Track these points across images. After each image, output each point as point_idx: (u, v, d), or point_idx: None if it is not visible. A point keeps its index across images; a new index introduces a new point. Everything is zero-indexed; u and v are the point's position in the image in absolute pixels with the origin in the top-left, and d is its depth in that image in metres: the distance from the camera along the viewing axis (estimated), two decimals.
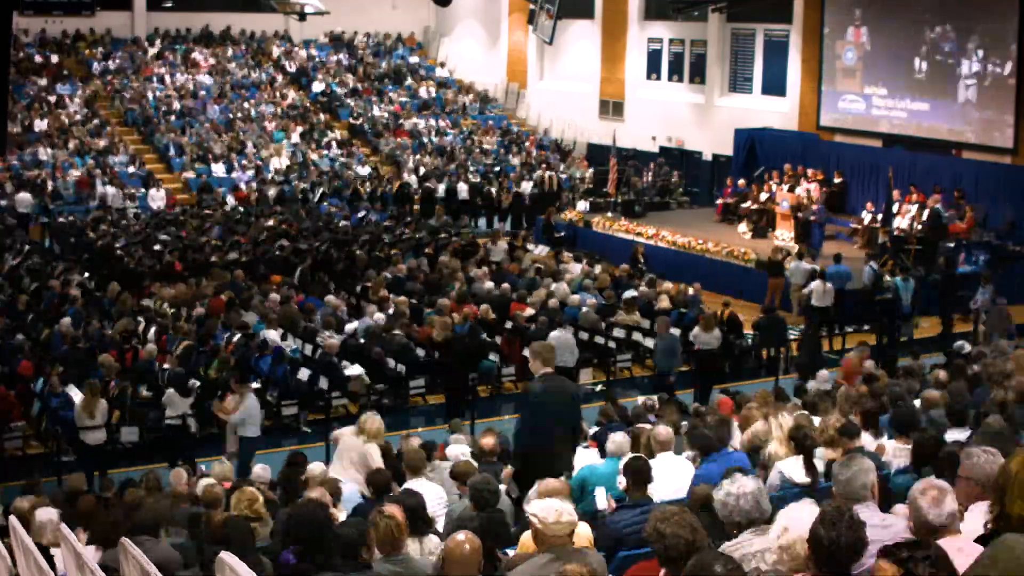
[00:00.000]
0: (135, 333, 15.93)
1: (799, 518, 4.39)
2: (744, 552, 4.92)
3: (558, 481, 6.89)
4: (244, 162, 29.91)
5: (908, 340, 17.54)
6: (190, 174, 29.15)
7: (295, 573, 5.26)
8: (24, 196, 26.01)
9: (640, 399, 12.25)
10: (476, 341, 15.95)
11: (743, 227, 24.15)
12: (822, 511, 4.06)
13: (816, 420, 9.19)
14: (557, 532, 5.08)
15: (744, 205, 24.66)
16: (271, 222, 24.34)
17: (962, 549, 3.90)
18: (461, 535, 4.92)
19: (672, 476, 7.26)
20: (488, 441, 8.99)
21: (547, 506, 5.19)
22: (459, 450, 9.69)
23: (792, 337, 17.52)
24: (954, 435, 7.56)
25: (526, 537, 5.85)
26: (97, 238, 22.43)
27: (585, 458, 8.56)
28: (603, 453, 8.20)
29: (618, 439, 8.02)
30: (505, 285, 18.72)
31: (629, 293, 18.40)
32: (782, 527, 4.51)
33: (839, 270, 18.95)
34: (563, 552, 5.02)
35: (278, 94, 34.24)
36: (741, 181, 25.47)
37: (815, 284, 18.25)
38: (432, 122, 34.11)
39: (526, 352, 15.97)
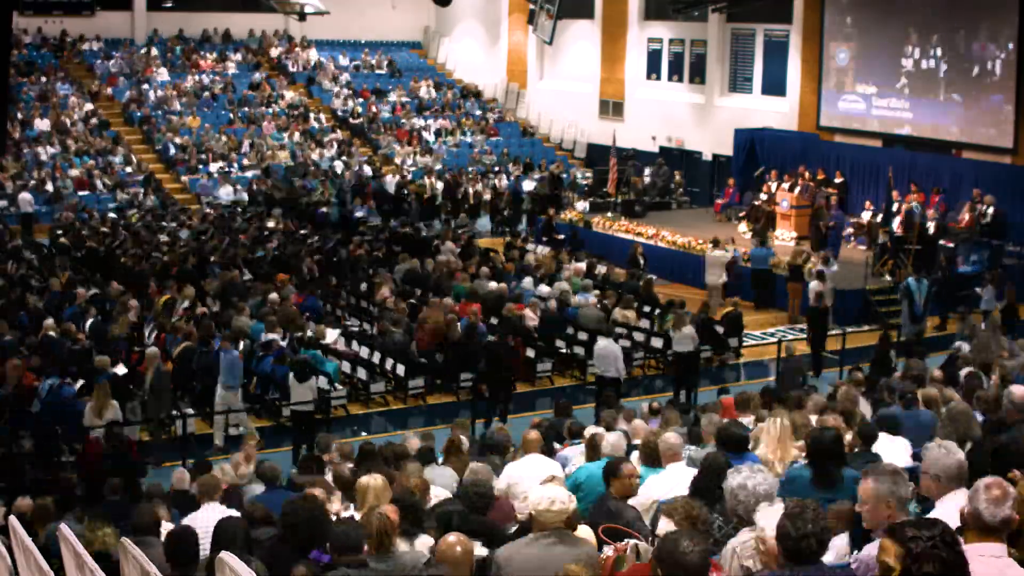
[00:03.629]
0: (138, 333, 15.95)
1: (776, 513, 4.44)
2: (749, 555, 4.93)
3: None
4: (244, 162, 29.92)
5: (918, 340, 17.52)
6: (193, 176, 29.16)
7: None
8: (27, 196, 26.03)
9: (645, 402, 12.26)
10: (473, 340, 15.95)
11: (743, 227, 24.14)
12: (786, 505, 4.10)
13: (814, 419, 9.19)
14: (550, 520, 5.14)
15: (752, 203, 24.61)
16: (271, 223, 24.35)
17: (1005, 570, 3.85)
18: (452, 537, 4.95)
19: (680, 486, 7.19)
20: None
21: (541, 495, 5.24)
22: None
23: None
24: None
25: None
26: (95, 238, 22.42)
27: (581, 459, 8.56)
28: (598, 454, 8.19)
29: (612, 439, 7.99)
30: (503, 284, 18.73)
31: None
32: (759, 521, 4.57)
33: (759, 252, 20.18)
34: (559, 534, 5.10)
35: (278, 94, 34.25)
36: (748, 193, 25.41)
37: (813, 284, 18.24)
38: (431, 122, 34.12)
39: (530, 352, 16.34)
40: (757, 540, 4.55)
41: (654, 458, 7.65)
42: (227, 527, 5.97)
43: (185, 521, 7.47)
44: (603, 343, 14.76)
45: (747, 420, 9.25)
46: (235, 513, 7.58)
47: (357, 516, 6.76)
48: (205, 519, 7.40)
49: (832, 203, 22.96)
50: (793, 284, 19.74)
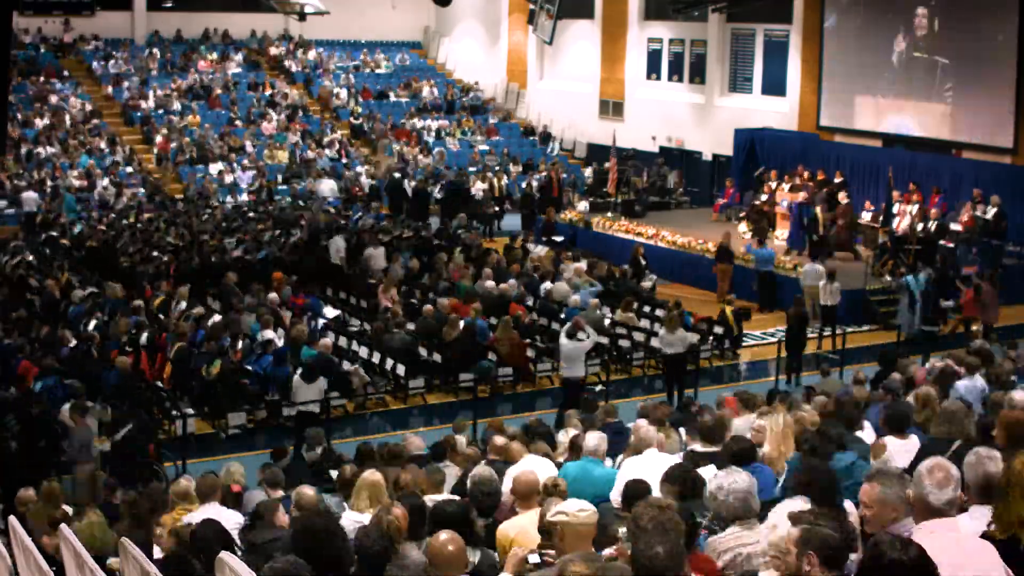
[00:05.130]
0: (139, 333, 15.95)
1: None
2: (728, 548, 4.93)
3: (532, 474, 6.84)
4: (244, 162, 29.92)
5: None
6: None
7: None
8: (31, 195, 26.02)
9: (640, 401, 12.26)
10: (474, 340, 15.96)
11: (743, 227, 24.14)
12: (810, 514, 4.03)
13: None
14: (580, 530, 4.93)
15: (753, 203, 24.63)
16: (269, 222, 24.34)
17: (960, 542, 3.89)
18: (444, 535, 4.90)
19: (660, 470, 7.23)
20: (499, 440, 9.04)
21: (569, 505, 5.09)
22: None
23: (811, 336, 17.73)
24: None
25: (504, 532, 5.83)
26: (94, 238, 22.42)
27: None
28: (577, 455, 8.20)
29: (593, 441, 7.99)
30: (504, 285, 18.72)
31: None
32: (772, 524, 4.53)
33: (763, 253, 20.05)
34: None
35: (278, 94, 34.25)
36: (748, 193, 25.41)
37: (822, 283, 18.27)
38: (432, 122, 34.13)
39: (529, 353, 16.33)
40: (774, 546, 4.45)
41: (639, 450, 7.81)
42: (205, 533, 5.95)
43: (184, 519, 7.49)
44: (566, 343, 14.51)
45: (750, 418, 9.26)
46: (235, 515, 7.59)
47: (357, 515, 6.76)
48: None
49: (801, 198, 22.89)
50: (722, 265, 20.25)
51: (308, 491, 7.38)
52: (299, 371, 13.78)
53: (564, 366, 14.76)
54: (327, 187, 28.95)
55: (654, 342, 17.24)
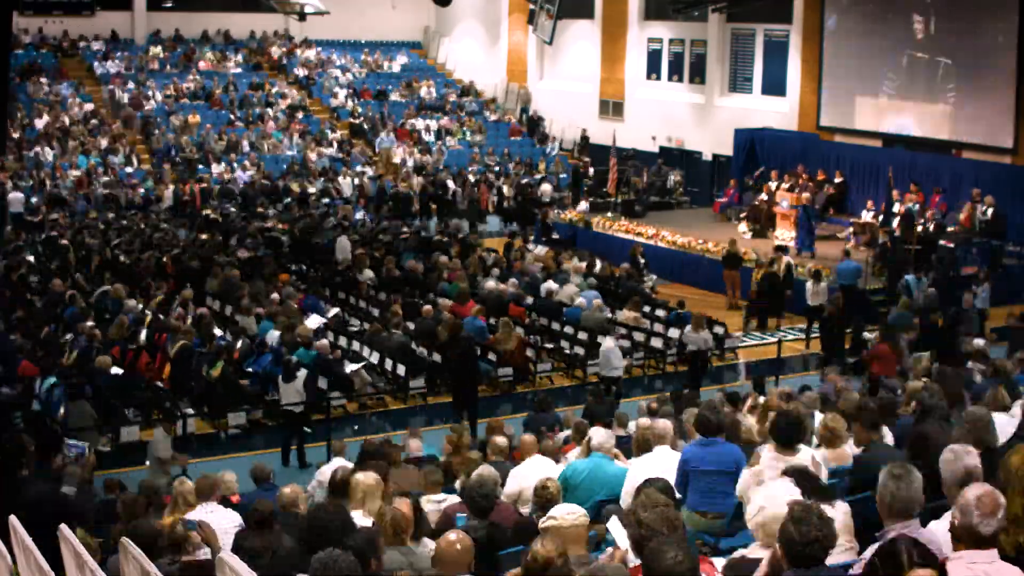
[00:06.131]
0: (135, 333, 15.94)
1: (775, 496, 4.52)
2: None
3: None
4: (245, 162, 29.91)
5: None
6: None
7: None
8: (19, 195, 25.93)
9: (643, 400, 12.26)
10: (469, 341, 15.93)
11: (743, 227, 24.14)
12: (790, 509, 4.04)
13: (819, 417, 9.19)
14: (572, 535, 4.99)
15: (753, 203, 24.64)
16: (270, 223, 24.36)
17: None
18: (453, 535, 4.92)
19: (670, 469, 7.24)
20: (500, 440, 9.05)
21: (562, 510, 5.16)
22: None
23: None
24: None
25: None
26: (91, 236, 22.43)
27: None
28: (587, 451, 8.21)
29: (600, 437, 7.99)
30: (503, 286, 18.71)
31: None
32: (759, 506, 4.55)
33: (848, 267, 18.97)
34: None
35: (278, 94, 34.25)
36: (748, 193, 25.41)
37: (808, 283, 18.29)
38: (432, 122, 34.13)
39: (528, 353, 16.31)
40: (761, 527, 4.54)
41: (646, 448, 7.75)
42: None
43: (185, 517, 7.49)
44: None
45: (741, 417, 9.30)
46: (234, 514, 7.58)
47: (356, 516, 6.75)
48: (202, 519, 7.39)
49: (804, 199, 22.90)
50: (729, 272, 20.25)
51: (289, 489, 7.39)
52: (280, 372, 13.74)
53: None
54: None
55: (654, 342, 17.31)
